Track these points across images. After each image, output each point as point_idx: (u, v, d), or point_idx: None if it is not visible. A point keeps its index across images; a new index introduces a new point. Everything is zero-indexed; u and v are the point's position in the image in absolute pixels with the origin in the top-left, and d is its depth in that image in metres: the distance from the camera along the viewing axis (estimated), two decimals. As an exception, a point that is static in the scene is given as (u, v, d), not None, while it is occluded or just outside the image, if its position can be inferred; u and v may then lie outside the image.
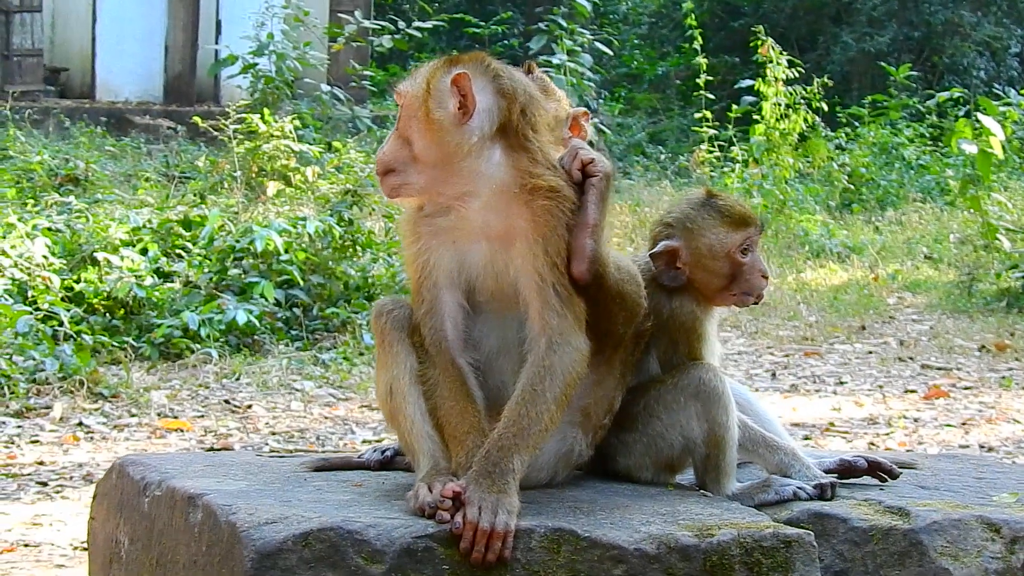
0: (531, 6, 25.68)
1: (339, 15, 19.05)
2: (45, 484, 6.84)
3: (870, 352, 10.58)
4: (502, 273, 3.49)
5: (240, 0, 19.92)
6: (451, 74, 3.46)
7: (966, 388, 9.39)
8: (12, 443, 7.54)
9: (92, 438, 7.66)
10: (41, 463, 7.20)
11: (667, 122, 25.10)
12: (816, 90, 17.30)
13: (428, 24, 18.17)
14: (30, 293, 9.43)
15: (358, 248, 10.86)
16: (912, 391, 9.28)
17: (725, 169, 17.16)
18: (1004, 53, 26.12)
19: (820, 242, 15.05)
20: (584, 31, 17.04)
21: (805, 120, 17.07)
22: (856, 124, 20.08)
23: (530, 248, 3.44)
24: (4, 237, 9.98)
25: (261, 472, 3.80)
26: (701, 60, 17.69)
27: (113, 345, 9.20)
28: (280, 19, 17.14)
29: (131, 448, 7.42)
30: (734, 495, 3.68)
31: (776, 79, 16.82)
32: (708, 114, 17.44)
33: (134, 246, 10.48)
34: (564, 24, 16.72)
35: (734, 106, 17.60)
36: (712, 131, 17.48)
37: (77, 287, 9.71)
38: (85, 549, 4.78)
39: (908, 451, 7.42)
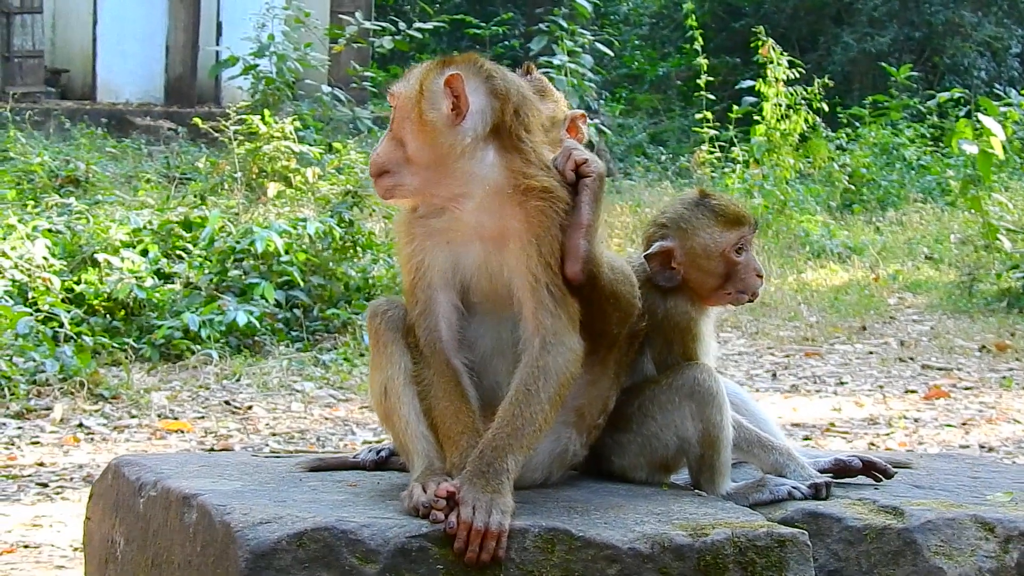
0: (532, 7, 25.66)
1: (340, 16, 19.05)
2: (45, 485, 6.85)
3: (871, 352, 10.58)
4: (496, 274, 3.50)
5: (241, 1, 19.95)
6: (444, 75, 3.46)
7: (966, 388, 9.39)
8: (12, 444, 7.55)
9: (92, 439, 7.67)
10: (41, 464, 7.21)
11: (668, 123, 25.11)
12: (817, 90, 17.31)
13: (429, 25, 18.17)
14: (30, 294, 9.44)
15: (358, 249, 10.87)
16: (912, 391, 9.28)
17: (726, 170, 17.18)
18: (1005, 53, 26.11)
19: (821, 242, 15.05)
20: (585, 32, 17.05)
21: (806, 121, 17.08)
22: (857, 124, 20.08)
23: (524, 249, 3.44)
24: (4, 238, 9.99)
25: (256, 472, 3.80)
26: (702, 61, 17.70)
27: (113, 346, 9.21)
28: (281, 20, 17.16)
29: (131, 449, 7.43)
30: (729, 495, 3.69)
31: (777, 80, 16.83)
32: (709, 115, 17.45)
33: (134, 247, 10.49)
34: (565, 25, 16.73)
35: (735, 107, 17.61)
36: (713, 132, 17.49)
37: (77, 288, 9.72)
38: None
39: (908, 451, 7.42)
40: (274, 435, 7.81)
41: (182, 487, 3.55)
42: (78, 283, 9.77)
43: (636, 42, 28.87)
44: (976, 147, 13.13)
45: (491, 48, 23.31)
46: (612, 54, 19.88)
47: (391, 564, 3.21)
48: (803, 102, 17.07)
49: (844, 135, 19.54)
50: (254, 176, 13.79)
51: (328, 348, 9.75)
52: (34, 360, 8.53)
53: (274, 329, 9.85)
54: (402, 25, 17.65)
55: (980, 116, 13.37)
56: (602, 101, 23.07)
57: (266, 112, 14.58)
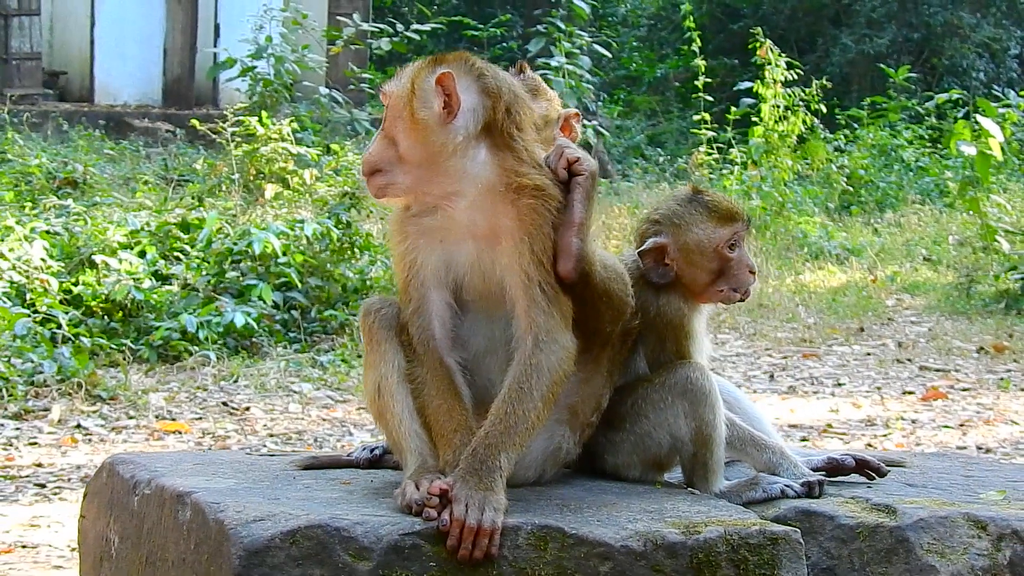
0: (530, 8, 25.69)
1: (337, 18, 19.06)
2: (43, 486, 6.86)
3: (868, 354, 10.59)
4: (489, 272, 3.50)
5: (239, 3, 19.97)
6: (435, 74, 3.47)
7: (964, 390, 9.39)
8: (10, 445, 7.56)
9: (90, 440, 7.68)
10: (39, 465, 7.21)
11: (666, 124, 25.13)
12: (815, 92, 17.32)
13: (427, 27, 18.19)
14: (28, 296, 9.45)
15: (356, 250, 10.88)
16: (910, 392, 9.28)
17: (724, 171, 17.19)
18: (1003, 55, 26.13)
19: (819, 244, 15.06)
20: (583, 33, 17.06)
21: (804, 122, 17.09)
22: (855, 126, 20.10)
23: (516, 247, 3.45)
24: (3, 240, 10.00)
25: (250, 470, 3.81)
26: (700, 62, 17.72)
27: (111, 347, 9.21)
28: (279, 22, 17.16)
29: (129, 450, 7.43)
30: (722, 493, 3.69)
31: (775, 81, 16.84)
32: (707, 116, 17.46)
33: (132, 249, 10.50)
34: (563, 26, 16.73)
35: (733, 108, 17.62)
36: (711, 133, 17.51)
37: (75, 290, 9.73)
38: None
39: (905, 452, 7.41)
40: (271, 436, 7.81)
41: (176, 485, 3.55)
42: (76, 284, 9.78)
43: (634, 44, 28.89)
44: (974, 148, 13.14)
45: (489, 50, 23.31)
46: (610, 56, 19.91)
47: (384, 561, 3.21)
48: (801, 103, 17.09)
49: (842, 136, 19.56)
50: (252, 178, 13.79)
51: (326, 349, 9.76)
52: (32, 361, 8.54)
53: (272, 330, 9.85)
54: (400, 27, 17.65)
55: (978, 117, 13.38)
56: (600, 103, 23.08)
57: (264, 114, 14.59)
